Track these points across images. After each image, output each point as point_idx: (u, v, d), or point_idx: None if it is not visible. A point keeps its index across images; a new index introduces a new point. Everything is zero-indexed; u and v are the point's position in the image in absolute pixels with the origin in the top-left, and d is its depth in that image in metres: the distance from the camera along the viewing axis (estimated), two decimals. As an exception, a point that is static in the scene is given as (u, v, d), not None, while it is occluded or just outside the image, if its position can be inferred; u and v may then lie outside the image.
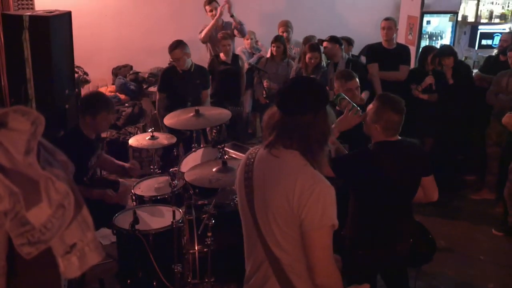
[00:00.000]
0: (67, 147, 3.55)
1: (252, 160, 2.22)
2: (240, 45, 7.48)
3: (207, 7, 6.97)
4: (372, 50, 6.38)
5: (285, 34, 7.04)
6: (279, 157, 2.11)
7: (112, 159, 4.63)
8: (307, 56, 5.89)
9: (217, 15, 6.87)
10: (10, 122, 1.18)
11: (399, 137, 3.20)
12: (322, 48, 6.04)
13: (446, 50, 6.30)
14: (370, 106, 3.23)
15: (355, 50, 7.45)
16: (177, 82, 5.72)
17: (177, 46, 5.58)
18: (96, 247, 1.30)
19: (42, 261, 1.22)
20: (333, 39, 5.89)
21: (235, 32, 6.97)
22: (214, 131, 4.70)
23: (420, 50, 6.59)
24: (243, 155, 5.21)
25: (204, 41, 7.03)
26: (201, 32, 6.98)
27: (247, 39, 7.33)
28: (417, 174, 3.23)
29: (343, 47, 5.99)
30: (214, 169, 3.76)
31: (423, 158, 3.29)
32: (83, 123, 4.07)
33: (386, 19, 6.30)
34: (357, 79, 4.36)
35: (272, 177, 2.09)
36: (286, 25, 7.14)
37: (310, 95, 2.12)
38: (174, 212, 3.60)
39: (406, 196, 3.24)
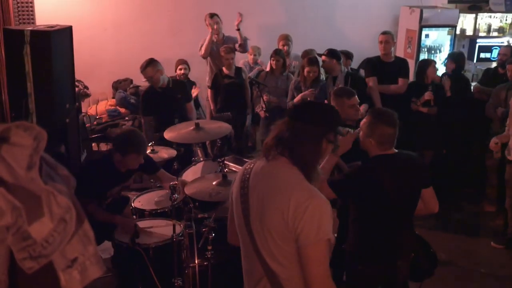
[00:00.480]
0: (93, 172, 3.56)
1: (247, 176, 2.21)
2: (242, 59, 7.50)
3: (210, 21, 6.98)
4: (371, 64, 6.41)
5: (285, 48, 7.08)
6: (274, 169, 2.13)
7: (170, 176, 4.45)
8: (306, 69, 5.91)
9: (210, 34, 6.90)
10: (12, 137, 1.19)
11: (396, 150, 3.21)
12: (320, 62, 6.07)
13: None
14: (364, 120, 3.24)
15: (354, 64, 7.49)
16: (159, 101, 5.61)
17: (148, 64, 5.53)
18: (97, 261, 1.31)
19: (43, 275, 1.23)
20: (330, 54, 5.89)
21: (237, 46, 6.99)
22: (218, 144, 4.73)
23: (418, 63, 6.62)
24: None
25: (204, 56, 7.06)
26: (200, 48, 7.01)
27: (251, 54, 7.35)
28: (416, 186, 3.23)
29: (341, 61, 6.01)
30: (214, 183, 3.77)
31: (422, 169, 3.29)
32: (115, 157, 4.05)
33: (384, 33, 6.34)
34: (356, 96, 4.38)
35: (268, 192, 2.09)
36: (286, 39, 7.18)
37: (326, 113, 2.19)
38: (174, 225, 3.60)
39: (406, 209, 3.23)
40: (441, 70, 7.16)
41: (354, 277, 3.32)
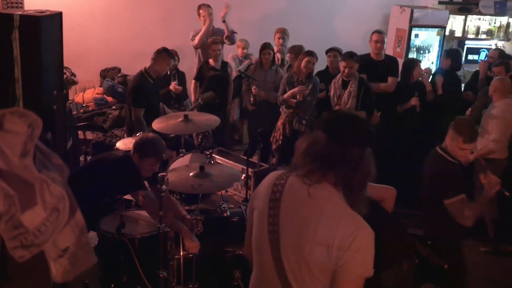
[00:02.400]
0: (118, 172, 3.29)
1: (278, 194, 2.00)
2: (230, 52, 7.46)
3: (201, 11, 6.94)
4: (361, 61, 6.41)
5: (280, 41, 7.10)
6: (315, 195, 1.91)
7: (176, 204, 4.09)
8: (305, 59, 5.80)
9: (206, 25, 6.87)
10: (7, 123, 1.17)
11: None
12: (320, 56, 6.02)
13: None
14: None
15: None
16: (153, 93, 5.57)
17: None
18: (89, 251, 1.30)
19: (34, 264, 1.22)
20: (354, 57, 5.67)
21: (224, 39, 6.97)
22: (200, 136, 4.70)
23: (403, 63, 6.61)
24: (229, 161, 5.23)
25: (197, 47, 7.02)
26: (193, 38, 6.97)
27: (241, 48, 7.31)
28: None
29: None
30: (191, 174, 3.80)
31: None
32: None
33: (378, 32, 6.33)
34: None
35: (308, 220, 1.90)
36: (283, 32, 7.17)
37: (365, 129, 1.98)
38: (160, 217, 3.58)
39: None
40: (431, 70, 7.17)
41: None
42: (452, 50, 7.00)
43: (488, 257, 5.35)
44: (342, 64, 5.72)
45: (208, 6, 6.99)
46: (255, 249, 2.10)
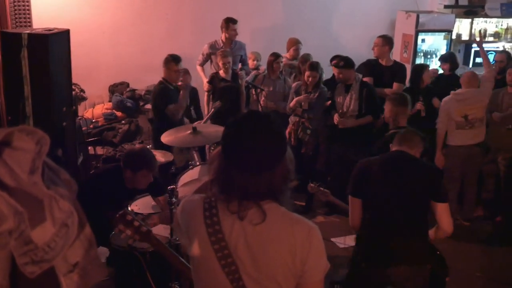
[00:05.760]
0: (103, 184, 3.35)
1: (215, 218, 1.86)
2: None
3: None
4: (369, 65, 6.44)
5: (298, 52, 7.17)
6: (254, 216, 1.83)
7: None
8: (306, 74, 5.92)
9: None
10: (15, 141, 1.19)
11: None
12: (325, 67, 6.07)
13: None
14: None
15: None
16: (175, 97, 5.83)
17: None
18: (99, 266, 1.31)
19: (45, 280, 1.23)
20: (347, 64, 5.78)
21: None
22: (212, 147, 4.72)
23: (412, 68, 6.62)
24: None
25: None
26: (199, 62, 7.14)
27: (252, 59, 7.32)
28: (419, 193, 3.27)
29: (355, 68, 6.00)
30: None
31: (431, 180, 3.33)
32: (124, 173, 3.99)
33: (378, 37, 6.38)
34: None
35: (262, 240, 1.83)
36: (298, 42, 7.24)
37: (276, 144, 1.82)
38: (171, 229, 3.59)
39: (404, 211, 3.26)
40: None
41: (357, 274, 3.36)
42: (445, 54, 7.10)
43: (483, 254, 5.38)
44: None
45: (234, 22, 7.02)
46: (202, 277, 1.96)
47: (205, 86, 6.78)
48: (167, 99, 5.77)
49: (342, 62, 5.80)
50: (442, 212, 3.24)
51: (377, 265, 3.27)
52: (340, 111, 5.81)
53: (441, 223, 3.26)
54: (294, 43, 7.26)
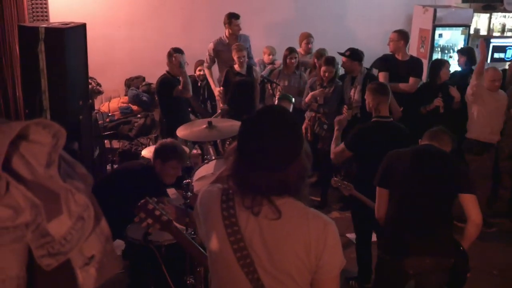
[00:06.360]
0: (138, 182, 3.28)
1: (232, 211, 1.87)
2: (256, 57, 7.47)
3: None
4: (385, 60, 6.40)
5: (310, 46, 7.16)
6: (269, 211, 1.84)
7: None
8: (322, 69, 5.91)
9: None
10: (32, 134, 1.19)
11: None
12: (340, 62, 6.05)
13: None
14: None
15: (367, 63, 7.44)
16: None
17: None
18: (114, 259, 1.31)
19: (61, 272, 1.23)
20: (352, 55, 5.84)
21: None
22: (228, 142, 4.72)
23: (430, 64, 6.59)
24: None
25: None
26: (208, 66, 7.17)
27: (267, 54, 7.31)
28: (443, 183, 3.31)
29: (363, 62, 5.98)
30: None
31: (456, 171, 3.39)
32: (155, 167, 4.02)
33: (394, 31, 6.33)
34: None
35: (277, 235, 1.84)
36: (310, 36, 7.24)
37: (291, 143, 1.81)
38: (187, 223, 3.60)
39: (426, 199, 3.30)
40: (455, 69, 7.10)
41: (382, 267, 3.39)
42: (464, 47, 7.04)
43: (487, 250, 5.30)
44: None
45: (237, 17, 6.99)
46: (218, 268, 1.98)
47: (217, 92, 6.82)
48: (171, 87, 5.93)
49: (349, 52, 5.87)
50: (471, 203, 3.26)
51: (403, 257, 3.29)
52: (347, 102, 5.81)
53: (470, 215, 3.27)
54: (305, 37, 7.26)
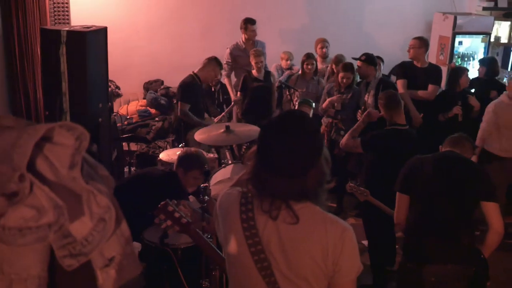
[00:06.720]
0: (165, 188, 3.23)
1: (250, 214, 1.89)
2: (274, 63, 7.48)
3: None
4: (404, 67, 6.36)
5: (324, 50, 7.16)
6: (287, 215, 1.84)
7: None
8: (340, 75, 5.90)
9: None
10: (56, 136, 1.21)
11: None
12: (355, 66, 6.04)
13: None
14: None
15: (385, 70, 7.43)
16: (199, 93, 6.07)
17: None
18: (134, 261, 1.32)
19: (82, 273, 1.25)
20: (367, 60, 5.82)
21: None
22: (244, 147, 4.73)
23: (449, 71, 6.54)
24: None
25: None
26: (225, 72, 7.12)
27: (285, 59, 7.32)
28: (465, 190, 3.29)
29: (377, 67, 5.98)
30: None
31: (479, 177, 3.37)
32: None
33: (414, 38, 6.29)
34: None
35: (295, 239, 1.84)
36: (325, 41, 7.23)
37: (310, 149, 1.82)
38: (203, 227, 3.61)
39: (447, 206, 3.28)
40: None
41: (405, 275, 3.38)
42: (485, 58, 6.96)
43: (493, 256, 5.24)
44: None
45: (252, 23, 7.01)
46: (236, 271, 1.99)
47: (235, 97, 6.85)
48: (190, 93, 5.89)
49: (364, 56, 5.85)
50: (493, 211, 3.25)
51: (425, 263, 3.27)
52: (363, 107, 5.79)
53: (492, 223, 3.26)
54: (320, 42, 7.26)
